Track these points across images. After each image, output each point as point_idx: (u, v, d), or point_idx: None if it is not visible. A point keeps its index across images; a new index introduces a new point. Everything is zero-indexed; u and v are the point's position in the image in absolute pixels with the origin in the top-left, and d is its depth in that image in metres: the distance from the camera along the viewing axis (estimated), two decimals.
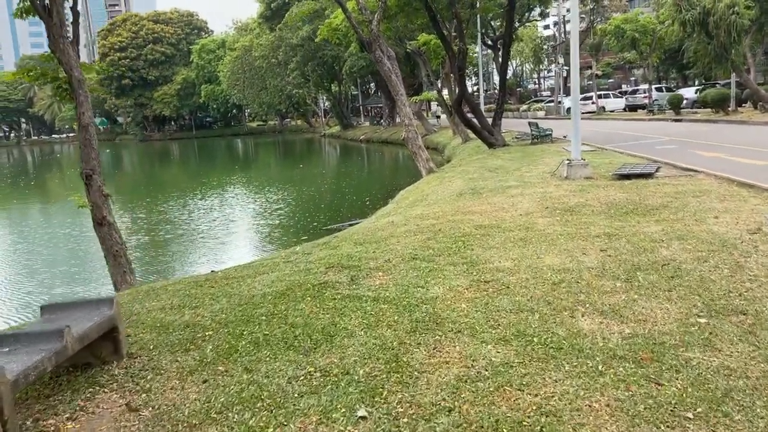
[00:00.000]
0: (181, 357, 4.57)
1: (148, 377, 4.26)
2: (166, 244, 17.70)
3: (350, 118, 75.39)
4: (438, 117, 56.87)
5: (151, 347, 4.81)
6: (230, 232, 19.13)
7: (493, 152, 21.05)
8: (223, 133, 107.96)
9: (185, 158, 65.63)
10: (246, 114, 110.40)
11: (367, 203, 20.61)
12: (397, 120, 54.31)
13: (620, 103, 50.08)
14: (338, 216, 19.16)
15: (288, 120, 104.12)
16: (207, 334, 5.00)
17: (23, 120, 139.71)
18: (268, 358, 4.41)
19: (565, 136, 22.28)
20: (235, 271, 7.30)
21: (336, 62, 56.70)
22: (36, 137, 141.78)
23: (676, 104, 34.06)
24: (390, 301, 5.45)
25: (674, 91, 45.02)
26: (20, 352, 3.71)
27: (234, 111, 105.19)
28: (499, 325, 4.77)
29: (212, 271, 7.85)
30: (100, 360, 4.34)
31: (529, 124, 25.36)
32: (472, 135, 27.56)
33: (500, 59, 26.88)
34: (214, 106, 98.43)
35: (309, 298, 5.73)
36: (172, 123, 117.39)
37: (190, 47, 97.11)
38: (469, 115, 25.65)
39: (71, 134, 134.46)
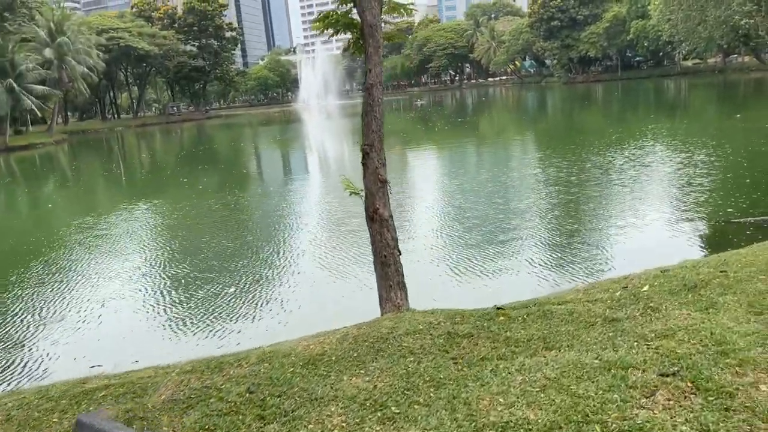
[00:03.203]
0: None
1: None
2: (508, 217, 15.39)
3: None
4: None
5: None
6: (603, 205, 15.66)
7: None
8: (651, 73, 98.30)
9: (602, 104, 61.44)
10: (680, 52, 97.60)
11: None
12: None
13: None
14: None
15: (733, 56, 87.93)
16: None
17: (467, 65, 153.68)
18: None
19: None
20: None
21: None
22: (474, 80, 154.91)
23: None
24: None
25: None
26: None
27: (668, 49, 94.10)
28: None
29: (498, 308, 5.21)
30: None
31: None
32: None
33: None
34: (645, 44, 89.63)
35: None
36: (598, 64, 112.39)
37: None
38: None
39: (503, 77, 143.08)
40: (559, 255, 11.43)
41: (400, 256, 6.34)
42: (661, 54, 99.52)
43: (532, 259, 11.29)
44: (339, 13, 6.93)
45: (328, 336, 4.93)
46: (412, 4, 7.46)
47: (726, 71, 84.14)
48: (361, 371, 4.11)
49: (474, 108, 73.51)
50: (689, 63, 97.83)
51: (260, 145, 50.17)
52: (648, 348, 3.98)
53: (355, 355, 4.42)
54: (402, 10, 7.67)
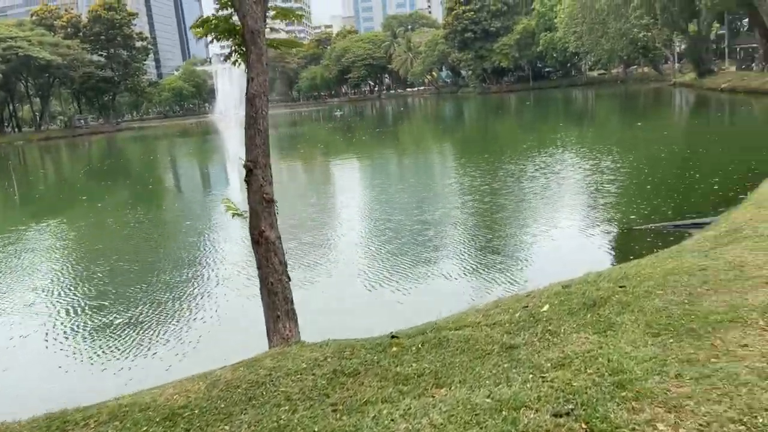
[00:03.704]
0: None
1: None
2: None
3: (710, 62, 62.67)
4: None
5: None
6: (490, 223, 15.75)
7: None
8: (561, 83, 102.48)
9: (514, 113, 63.21)
10: (587, 62, 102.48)
11: (715, 188, 14.82)
12: None
13: None
14: (670, 202, 14.06)
15: (633, 67, 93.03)
16: None
17: (385, 75, 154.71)
18: None
19: None
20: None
21: None
22: (393, 91, 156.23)
23: None
24: None
25: None
26: None
27: (575, 60, 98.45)
28: None
29: (392, 336, 4.78)
30: None
31: None
32: None
33: None
34: (554, 55, 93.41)
35: None
36: (510, 74, 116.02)
37: None
38: None
39: (420, 88, 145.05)
40: (473, 267, 11.23)
41: (290, 283, 5.80)
42: (569, 65, 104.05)
43: (448, 273, 11.01)
44: (219, 17, 6.35)
45: (196, 382, 4.32)
46: (302, 10, 6.96)
47: (627, 81, 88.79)
48: (226, 427, 3.56)
49: (393, 118, 73.95)
50: (595, 73, 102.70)
51: (170, 159, 48.15)
52: (543, 381, 3.65)
53: (223, 406, 3.85)
54: (292, 16, 7.21)
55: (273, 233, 5.69)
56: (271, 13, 6.62)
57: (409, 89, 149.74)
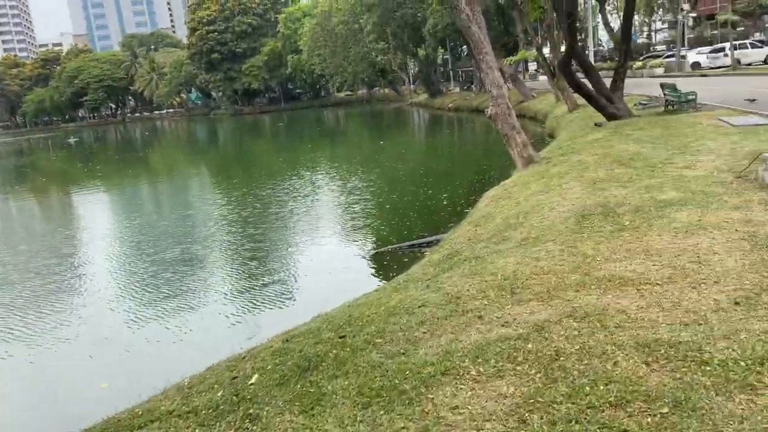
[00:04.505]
0: None
1: None
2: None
3: (438, 84, 69.62)
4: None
5: None
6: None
7: (618, 128, 15.44)
8: (312, 104, 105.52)
9: (266, 135, 62.97)
10: (335, 84, 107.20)
11: (445, 203, 15.74)
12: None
13: (761, 54, 41.39)
14: (405, 223, 14.49)
15: (376, 89, 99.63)
16: None
17: (129, 97, 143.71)
18: None
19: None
20: None
21: (417, 21, 50.78)
22: (139, 114, 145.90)
23: None
24: None
25: None
26: None
27: (322, 81, 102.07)
28: None
29: None
30: None
31: (662, 85, 19.30)
32: (581, 101, 21.80)
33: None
34: (303, 77, 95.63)
35: None
36: (263, 96, 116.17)
37: (277, 17, 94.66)
38: (581, 78, 19.87)
39: (170, 110, 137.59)
40: (214, 318, 9.97)
41: None
42: (318, 86, 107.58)
43: (181, 326, 9.66)
44: None
45: None
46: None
47: (372, 102, 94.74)
48: None
49: (138, 143, 68.49)
50: (342, 94, 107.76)
51: None
52: None
53: None
54: None
55: None
56: None
57: (157, 112, 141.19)
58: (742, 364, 3.45)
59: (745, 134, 11.62)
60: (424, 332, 4.68)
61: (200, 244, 15.33)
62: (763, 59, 40.65)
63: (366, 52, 61.82)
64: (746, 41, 45.56)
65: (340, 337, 4.98)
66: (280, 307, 10.01)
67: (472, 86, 60.58)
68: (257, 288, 11.18)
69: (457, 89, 67.89)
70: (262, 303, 10.31)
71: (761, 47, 42.93)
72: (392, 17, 50.54)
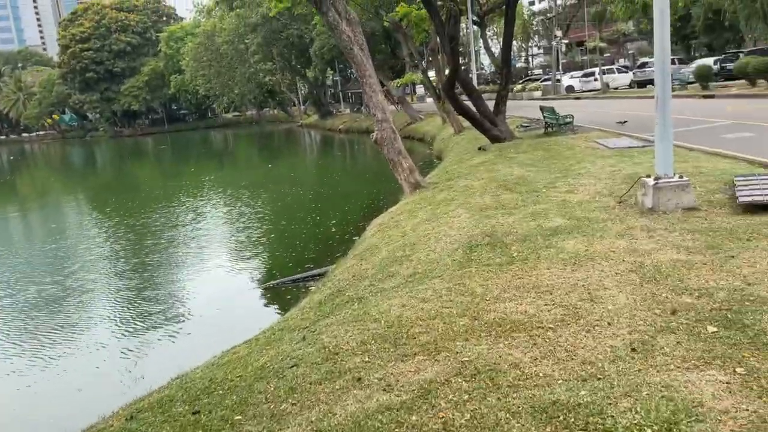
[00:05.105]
0: None
1: None
2: None
3: (328, 105, 69.46)
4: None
5: None
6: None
7: (502, 150, 15.55)
8: (197, 125, 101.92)
9: (147, 158, 59.69)
10: (222, 104, 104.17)
11: (333, 231, 15.10)
12: None
13: (626, 78, 44.69)
14: (291, 254, 13.69)
15: (266, 110, 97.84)
16: None
17: None
18: None
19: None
20: None
21: (304, 42, 50.27)
22: (5, 137, 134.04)
23: (704, 76, 28.61)
24: None
25: (688, 63, 39.74)
26: None
27: (208, 102, 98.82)
28: None
29: None
30: None
31: (542, 108, 19.89)
32: (466, 123, 22.08)
33: (504, 24, 21.08)
34: (187, 97, 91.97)
35: None
36: (144, 117, 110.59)
37: (158, 36, 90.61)
38: (465, 101, 20.08)
39: (41, 132, 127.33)
40: (57, 381, 8.63)
41: None
42: (203, 107, 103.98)
43: (20, 389, 8.29)
44: None
45: None
46: None
47: (261, 122, 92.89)
48: None
49: (3, 168, 62.58)
50: (230, 115, 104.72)
51: None
52: None
53: None
54: None
55: None
56: None
57: (26, 134, 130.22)
58: (648, 431, 3.03)
59: (620, 156, 11.93)
60: (293, 404, 3.96)
61: (59, 284, 13.63)
62: (627, 83, 43.85)
63: (253, 72, 60.38)
64: (613, 66, 49.06)
65: (194, 413, 4.14)
66: (147, 362, 8.85)
67: (362, 108, 60.88)
68: (123, 336, 9.94)
69: (348, 111, 68.05)
70: (126, 357, 9.08)
71: (626, 72, 46.35)
72: (278, 38, 49.64)
